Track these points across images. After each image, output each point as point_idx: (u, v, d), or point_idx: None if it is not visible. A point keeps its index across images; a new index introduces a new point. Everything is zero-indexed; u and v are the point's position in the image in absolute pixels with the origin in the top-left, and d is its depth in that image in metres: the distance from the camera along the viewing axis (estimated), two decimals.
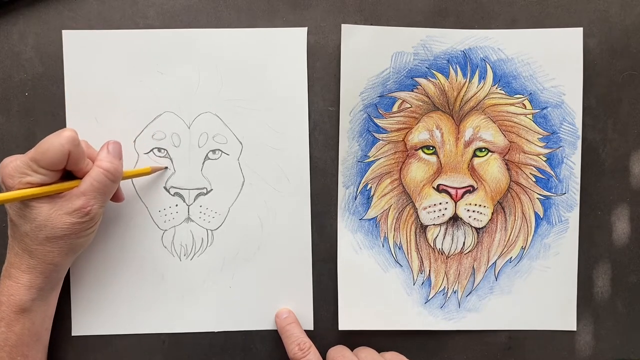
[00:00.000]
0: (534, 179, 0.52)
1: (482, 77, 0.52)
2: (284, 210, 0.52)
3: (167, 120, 0.51)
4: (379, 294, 0.52)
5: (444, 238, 0.52)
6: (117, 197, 0.49)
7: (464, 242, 0.52)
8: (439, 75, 0.52)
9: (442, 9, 0.52)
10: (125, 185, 0.51)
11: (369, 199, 0.52)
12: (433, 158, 0.52)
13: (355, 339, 0.52)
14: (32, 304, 0.45)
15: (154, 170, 0.50)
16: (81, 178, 0.45)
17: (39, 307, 0.46)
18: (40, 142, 0.43)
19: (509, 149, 0.52)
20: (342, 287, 0.52)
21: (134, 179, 0.51)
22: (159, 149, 0.51)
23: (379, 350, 0.50)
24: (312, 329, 0.52)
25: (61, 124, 0.51)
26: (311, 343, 0.48)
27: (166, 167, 0.51)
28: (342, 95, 0.51)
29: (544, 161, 0.52)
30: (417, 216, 0.52)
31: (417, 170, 0.52)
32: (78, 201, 0.44)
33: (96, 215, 0.46)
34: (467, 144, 0.52)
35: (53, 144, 0.43)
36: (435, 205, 0.52)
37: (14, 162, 0.43)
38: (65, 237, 0.44)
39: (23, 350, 0.46)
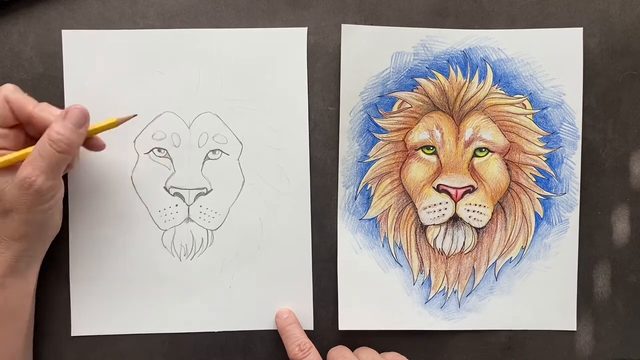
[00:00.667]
0: (534, 179, 0.52)
1: (482, 77, 0.52)
2: (284, 210, 0.52)
3: (167, 120, 0.51)
4: (379, 294, 0.52)
5: (444, 238, 0.52)
6: (94, 146, 0.46)
7: (464, 242, 0.52)
8: (439, 75, 0.52)
9: (442, 9, 0.52)
10: (125, 185, 0.51)
11: (369, 199, 0.52)
12: (433, 158, 0.52)
13: (355, 339, 0.52)
14: (4, 280, 0.43)
15: (119, 121, 0.46)
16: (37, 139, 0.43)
17: (12, 284, 0.44)
18: None
19: (509, 149, 0.52)
20: (342, 287, 0.52)
21: (134, 179, 0.51)
22: (159, 149, 0.51)
23: (380, 351, 0.50)
24: (312, 329, 0.52)
25: None
26: (311, 344, 0.48)
27: (135, 115, 0.47)
28: (342, 95, 0.51)
29: (544, 161, 0.52)
30: (417, 216, 0.52)
31: (417, 170, 0.52)
32: (23, 171, 0.41)
33: (44, 189, 0.42)
34: (467, 144, 0.52)
35: None
36: (435, 205, 0.52)
37: None
38: (16, 210, 0.42)
39: None
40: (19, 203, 0.42)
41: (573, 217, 0.52)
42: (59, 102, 0.50)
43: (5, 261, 0.43)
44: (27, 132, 0.45)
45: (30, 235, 0.44)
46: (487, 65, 0.52)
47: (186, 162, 0.51)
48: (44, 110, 0.43)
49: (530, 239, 0.52)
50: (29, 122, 0.43)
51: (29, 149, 0.43)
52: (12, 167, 0.42)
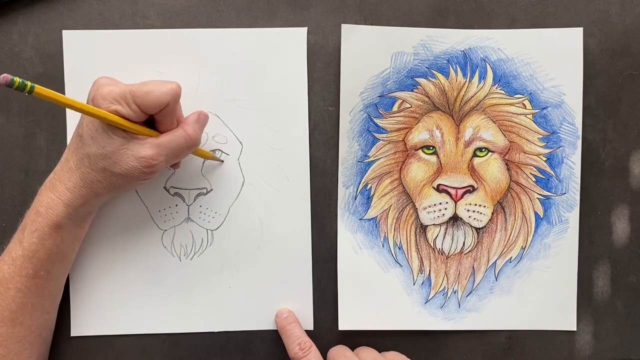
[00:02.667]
0: (534, 179, 0.52)
1: (482, 77, 0.52)
2: (284, 210, 0.52)
3: None
4: (379, 294, 0.52)
5: (444, 238, 0.52)
6: (177, 164, 0.50)
7: (464, 242, 0.52)
8: (439, 75, 0.52)
9: (442, 9, 0.52)
10: None
11: (369, 199, 0.52)
12: (433, 158, 0.52)
13: (355, 339, 0.52)
14: (68, 222, 0.45)
15: (213, 157, 0.51)
16: (160, 131, 0.46)
17: (71, 227, 0.46)
18: (145, 82, 0.44)
19: (509, 149, 0.52)
20: (342, 287, 0.52)
21: None
22: None
23: (380, 351, 0.50)
24: (312, 329, 0.52)
25: (61, 123, 0.51)
26: (312, 342, 0.48)
27: (222, 161, 0.51)
28: (342, 95, 0.51)
29: (544, 161, 0.52)
30: (417, 216, 0.52)
31: (417, 170, 0.52)
32: (150, 151, 0.44)
33: (155, 172, 0.45)
34: (467, 143, 0.52)
35: (157, 89, 0.43)
36: (435, 205, 0.52)
37: (111, 87, 0.43)
38: (121, 176, 0.44)
39: (48, 266, 0.46)
40: (130, 172, 0.44)
41: (573, 217, 0.52)
42: None
43: (76, 207, 0.45)
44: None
45: (112, 194, 0.47)
46: (487, 65, 0.52)
47: (186, 162, 0.51)
48: (173, 124, 0.46)
49: (530, 239, 0.52)
50: (159, 119, 0.46)
51: (155, 132, 0.45)
52: (133, 137, 0.44)
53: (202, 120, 0.48)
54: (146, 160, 0.44)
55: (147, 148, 0.44)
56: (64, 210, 0.45)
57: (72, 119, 0.51)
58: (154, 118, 0.45)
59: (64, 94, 0.50)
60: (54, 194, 0.45)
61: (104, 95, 0.43)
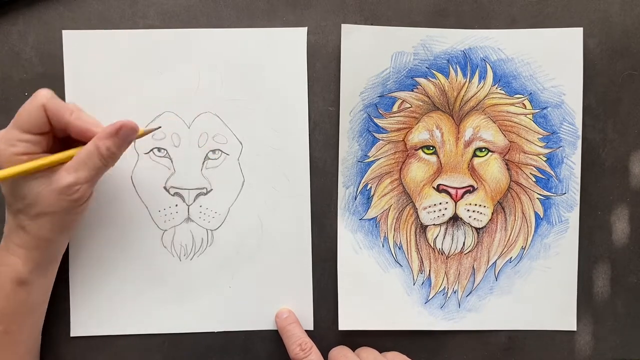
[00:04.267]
0: (534, 179, 0.52)
1: (482, 77, 0.52)
2: (284, 210, 0.52)
3: (167, 120, 0.51)
4: (379, 294, 0.52)
5: (444, 238, 0.52)
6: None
7: (464, 242, 0.52)
8: (439, 75, 0.52)
9: (442, 9, 0.52)
10: (125, 185, 0.51)
11: (369, 199, 0.52)
12: (433, 158, 0.52)
13: (355, 339, 0.52)
14: (30, 276, 0.44)
15: (146, 132, 0.47)
16: (77, 139, 0.43)
17: (36, 279, 0.45)
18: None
19: (509, 149, 0.52)
20: (342, 287, 0.52)
21: (134, 179, 0.51)
22: (159, 149, 0.51)
23: (380, 351, 0.50)
24: (312, 329, 0.52)
25: None
26: (312, 343, 0.48)
27: (159, 127, 0.49)
28: (342, 95, 0.51)
29: (544, 161, 0.52)
30: (417, 216, 0.52)
31: (417, 170, 0.52)
32: (68, 178, 0.42)
33: (84, 196, 0.43)
34: (467, 143, 0.52)
35: (27, 102, 0.42)
36: (435, 205, 0.52)
37: (0, 136, 0.42)
38: (55, 213, 0.43)
39: (18, 320, 0.45)
40: (56, 207, 0.43)
41: (573, 217, 0.52)
42: None
43: (34, 259, 0.44)
44: (55, 134, 0.45)
45: (59, 235, 0.45)
46: (487, 65, 0.52)
47: (186, 162, 0.51)
48: (80, 119, 0.43)
49: (530, 239, 0.52)
50: (63, 129, 0.44)
51: (68, 153, 0.43)
52: (47, 171, 0.42)
53: (122, 134, 0.42)
54: (66, 188, 0.42)
55: (64, 177, 0.42)
56: (24, 266, 0.44)
57: None
58: (60, 136, 0.43)
59: (64, 94, 0.50)
60: (9, 253, 0.44)
61: None
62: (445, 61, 0.52)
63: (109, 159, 0.43)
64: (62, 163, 0.43)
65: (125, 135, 0.43)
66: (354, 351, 0.50)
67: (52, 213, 0.43)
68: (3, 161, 0.42)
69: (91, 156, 0.42)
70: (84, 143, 0.44)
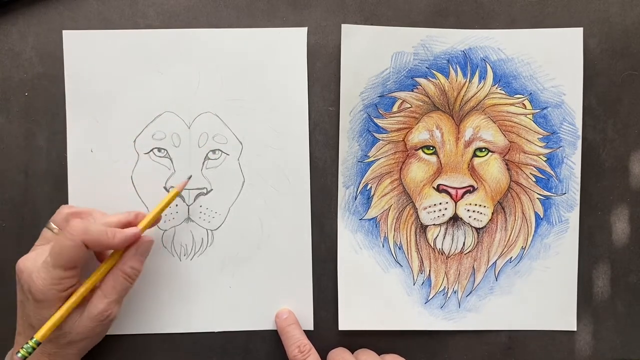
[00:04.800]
0: (534, 179, 0.52)
1: (482, 77, 0.52)
2: (284, 210, 0.52)
3: (167, 120, 0.51)
4: (379, 294, 0.52)
5: (444, 238, 0.52)
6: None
7: (464, 242, 0.52)
8: (439, 75, 0.52)
9: (442, 9, 0.52)
10: (125, 185, 0.51)
11: (369, 199, 0.52)
12: (433, 158, 0.52)
13: (355, 339, 0.52)
14: None
15: (181, 188, 0.49)
16: (101, 252, 0.46)
17: None
18: (53, 244, 0.43)
19: (509, 149, 0.52)
20: (342, 287, 0.52)
21: (134, 179, 0.51)
22: (159, 149, 0.51)
23: (379, 352, 0.50)
24: (312, 329, 0.52)
25: (61, 124, 0.51)
26: (311, 345, 0.48)
27: (190, 176, 0.51)
28: (342, 95, 0.51)
29: (544, 161, 0.52)
30: (417, 216, 0.52)
31: (417, 170, 0.52)
32: (99, 305, 0.44)
33: (116, 316, 0.46)
34: (467, 144, 0.52)
35: (64, 239, 0.42)
36: (435, 205, 0.52)
37: (40, 276, 0.42)
38: (86, 340, 0.45)
39: None
40: (92, 333, 0.45)
41: (573, 217, 0.52)
42: (59, 102, 0.51)
43: None
44: None
45: (82, 354, 0.47)
46: (487, 65, 0.52)
47: (186, 162, 0.51)
48: (116, 237, 0.44)
49: (530, 239, 0.52)
50: (104, 250, 0.46)
51: (92, 281, 0.45)
52: (79, 305, 0.44)
53: (142, 250, 0.46)
54: (100, 315, 0.44)
55: (96, 304, 0.44)
56: None
57: (72, 119, 0.51)
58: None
59: (64, 94, 0.50)
60: None
61: (42, 289, 0.42)
62: (445, 61, 0.52)
63: (135, 276, 0.46)
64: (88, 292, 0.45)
65: (144, 250, 0.46)
66: (352, 353, 0.50)
67: (83, 340, 0.45)
68: (49, 300, 0.43)
69: (117, 278, 0.45)
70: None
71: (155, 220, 0.48)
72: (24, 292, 0.44)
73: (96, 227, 0.44)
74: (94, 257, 0.48)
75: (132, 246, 0.46)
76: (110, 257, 0.46)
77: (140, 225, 0.46)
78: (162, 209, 0.48)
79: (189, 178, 0.50)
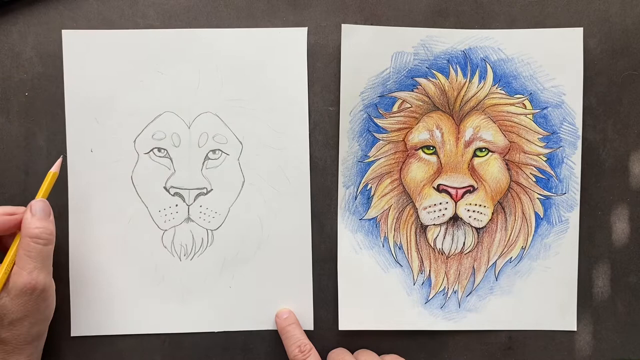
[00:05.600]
0: (534, 179, 0.52)
1: (482, 77, 0.52)
2: (284, 210, 0.52)
3: (167, 120, 0.51)
4: (379, 294, 0.52)
5: (444, 238, 0.52)
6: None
7: (464, 242, 0.52)
8: (439, 75, 0.52)
9: (442, 9, 0.52)
10: (125, 185, 0.51)
11: (369, 199, 0.52)
12: (433, 158, 0.52)
13: (355, 339, 0.52)
14: None
15: (55, 169, 0.48)
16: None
17: None
18: None
19: (509, 149, 0.52)
20: (342, 287, 0.52)
21: (134, 179, 0.51)
22: (159, 149, 0.51)
23: (379, 352, 0.50)
24: (312, 329, 0.52)
25: (61, 124, 0.51)
26: (311, 345, 0.48)
27: (62, 156, 0.50)
28: (342, 95, 0.51)
29: (544, 161, 0.52)
30: (417, 216, 0.52)
31: (417, 170, 0.52)
32: (21, 279, 0.43)
33: (47, 287, 0.44)
34: (467, 144, 0.52)
35: None
36: (435, 205, 0.52)
37: None
38: (28, 317, 0.44)
39: None
40: (26, 309, 0.43)
41: (573, 217, 0.52)
42: (59, 102, 0.51)
43: None
44: None
45: (41, 332, 0.46)
46: (487, 65, 0.52)
47: (186, 162, 0.51)
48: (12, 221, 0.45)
49: (530, 239, 0.52)
50: None
51: (7, 262, 0.44)
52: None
53: (37, 210, 0.45)
54: (24, 288, 0.43)
55: (16, 279, 0.43)
56: None
57: (72, 119, 0.51)
58: None
59: (64, 94, 0.50)
60: None
61: None
62: (445, 61, 0.52)
63: (45, 236, 0.44)
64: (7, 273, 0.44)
65: (40, 210, 0.45)
66: (352, 353, 0.50)
67: (25, 316, 0.43)
68: None
69: (27, 244, 0.43)
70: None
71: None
72: None
73: None
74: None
75: (26, 212, 0.45)
76: (17, 237, 0.46)
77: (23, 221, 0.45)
78: (44, 190, 0.47)
79: (62, 157, 0.49)
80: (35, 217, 0.45)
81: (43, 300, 0.44)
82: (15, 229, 0.46)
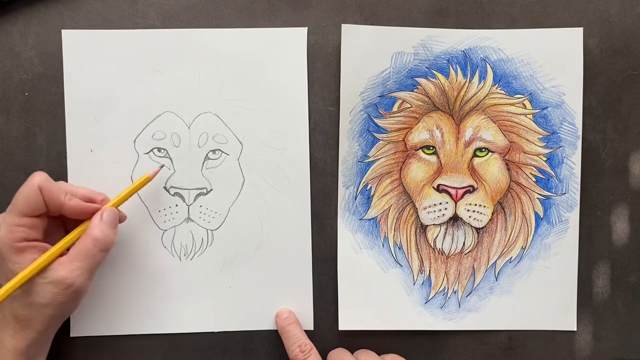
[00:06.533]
0: (534, 179, 0.52)
1: (482, 77, 0.52)
2: (284, 210, 0.52)
3: (167, 120, 0.51)
4: (379, 294, 0.52)
5: (444, 238, 0.52)
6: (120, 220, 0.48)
7: (464, 242, 0.52)
8: (439, 75, 0.52)
9: (442, 9, 0.52)
10: (125, 185, 0.51)
11: (369, 199, 0.52)
12: (433, 158, 0.52)
13: (355, 339, 0.52)
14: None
15: (151, 176, 0.49)
16: (69, 218, 0.45)
17: None
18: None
19: (509, 149, 0.52)
20: (342, 287, 0.52)
21: (134, 179, 0.51)
22: (159, 149, 0.51)
23: (379, 352, 0.50)
24: (312, 329, 0.52)
25: (61, 124, 0.51)
26: (312, 345, 0.48)
27: (162, 165, 0.51)
28: (342, 95, 0.51)
29: (544, 161, 0.52)
30: (417, 216, 0.52)
31: (417, 170, 0.52)
32: (62, 271, 0.43)
33: (81, 287, 0.44)
34: (467, 144, 0.52)
35: (23, 186, 0.43)
36: (435, 205, 0.52)
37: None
38: (49, 306, 0.43)
39: None
40: (53, 300, 0.43)
41: (573, 217, 0.52)
42: (59, 102, 0.51)
43: (24, 350, 0.43)
44: (50, 215, 0.45)
45: (54, 326, 0.46)
46: (487, 65, 0.52)
47: (186, 162, 0.51)
48: (74, 200, 0.44)
49: (530, 239, 0.52)
50: (58, 211, 0.45)
51: (59, 247, 0.44)
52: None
53: (107, 218, 0.45)
54: (61, 282, 0.42)
55: (58, 269, 0.43)
56: (13, 357, 0.43)
57: (72, 119, 0.51)
58: (51, 213, 0.44)
59: (64, 94, 0.50)
60: (1, 347, 0.43)
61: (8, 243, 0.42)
62: (445, 61, 0.52)
63: (105, 243, 0.44)
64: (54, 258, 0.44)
65: (109, 218, 0.45)
66: (352, 353, 0.50)
67: (46, 305, 0.43)
68: (5, 250, 0.42)
69: (86, 244, 0.44)
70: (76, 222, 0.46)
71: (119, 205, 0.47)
72: None
73: (56, 183, 0.44)
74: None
75: (96, 214, 0.45)
76: (79, 227, 0.45)
77: (102, 205, 0.46)
78: (129, 194, 0.48)
79: (161, 167, 0.50)
80: (103, 222, 0.45)
81: (71, 299, 0.44)
82: (84, 217, 0.45)
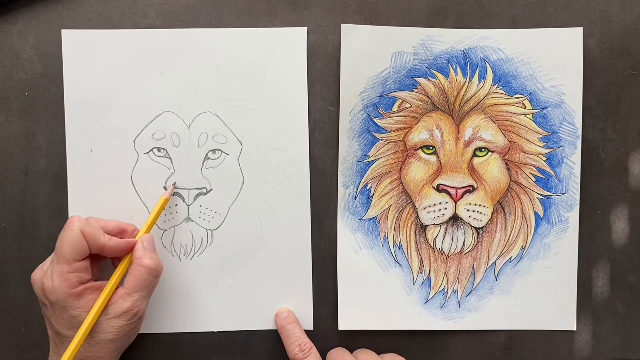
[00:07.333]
0: (534, 179, 0.52)
1: (482, 77, 0.52)
2: (284, 210, 0.52)
3: (167, 120, 0.51)
4: (379, 294, 0.52)
5: (444, 238, 0.52)
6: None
7: (464, 242, 0.52)
8: (439, 75, 0.52)
9: (442, 9, 0.52)
10: (125, 185, 0.51)
11: (369, 199, 0.52)
12: (433, 158, 0.52)
13: (355, 339, 0.52)
14: None
15: (168, 196, 0.50)
16: (108, 257, 0.47)
17: None
18: (57, 243, 0.44)
19: (509, 149, 0.52)
20: (342, 287, 0.52)
21: (134, 179, 0.51)
22: (159, 149, 0.51)
23: (379, 352, 0.50)
24: (312, 329, 0.52)
25: (61, 123, 0.51)
26: (312, 344, 0.48)
27: (174, 183, 0.51)
28: (342, 95, 0.51)
29: (544, 161, 0.52)
30: (417, 216, 0.52)
31: (417, 170, 0.52)
32: (126, 304, 0.45)
33: (144, 314, 0.46)
34: (467, 144, 0.52)
35: (64, 234, 0.44)
36: (435, 205, 0.52)
37: (48, 277, 0.43)
38: (116, 340, 0.45)
39: None
40: (120, 332, 0.45)
41: (573, 217, 0.52)
42: (58, 102, 0.51)
43: None
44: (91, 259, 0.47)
45: (118, 358, 0.47)
46: (487, 65, 0.52)
47: (186, 162, 0.51)
48: (112, 240, 0.46)
49: (530, 239, 0.52)
50: (99, 252, 0.46)
51: (113, 283, 0.46)
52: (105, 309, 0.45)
53: (149, 245, 0.47)
54: (128, 313, 0.45)
55: (121, 303, 0.45)
56: None
57: (72, 119, 0.51)
58: (93, 253, 0.45)
59: (64, 94, 0.50)
60: None
61: (52, 289, 0.43)
62: (445, 61, 0.52)
63: (158, 269, 0.46)
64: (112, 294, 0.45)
65: (150, 245, 0.47)
66: (352, 353, 0.50)
67: (113, 340, 0.45)
68: (62, 299, 0.43)
69: (140, 275, 0.45)
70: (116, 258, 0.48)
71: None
72: (41, 301, 0.45)
73: (92, 224, 0.45)
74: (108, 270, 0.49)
75: (137, 244, 0.47)
76: (124, 260, 0.47)
77: (137, 237, 0.48)
78: (155, 219, 0.49)
79: (174, 185, 0.51)
80: (147, 250, 0.47)
81: (135, 326, 0.46)
82: (123, 254, 0.47)
